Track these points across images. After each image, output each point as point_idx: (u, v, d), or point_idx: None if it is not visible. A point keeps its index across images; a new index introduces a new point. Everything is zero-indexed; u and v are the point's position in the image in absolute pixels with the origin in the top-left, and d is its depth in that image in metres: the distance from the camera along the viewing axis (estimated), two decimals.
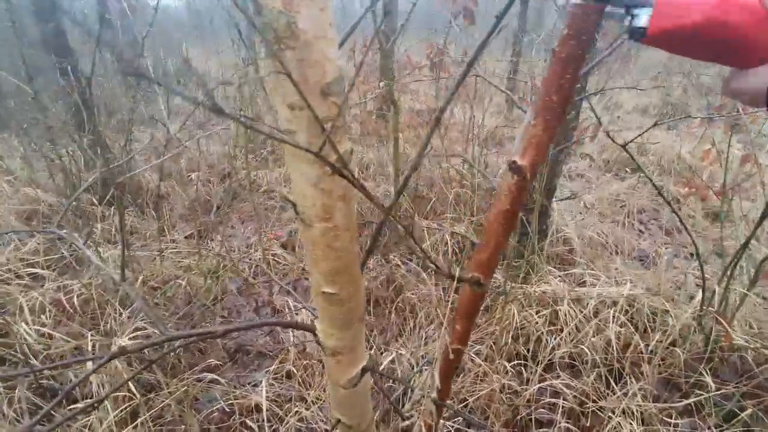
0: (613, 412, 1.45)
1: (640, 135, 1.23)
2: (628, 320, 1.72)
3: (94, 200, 2.66)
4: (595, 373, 1.58)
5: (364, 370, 0.55)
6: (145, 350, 0.56)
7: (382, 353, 1.75)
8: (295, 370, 1.62)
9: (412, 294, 1.99)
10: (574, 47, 0.38)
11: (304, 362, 1.65)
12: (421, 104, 2.88)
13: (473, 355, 1.57)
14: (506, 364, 1.50)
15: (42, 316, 1.66)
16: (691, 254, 2.44)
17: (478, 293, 0.54)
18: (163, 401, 1.43)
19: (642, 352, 1.62)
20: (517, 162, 0.45)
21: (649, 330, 1.73)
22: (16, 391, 1.44)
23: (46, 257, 2.11)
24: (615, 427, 1.39)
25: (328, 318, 0.50)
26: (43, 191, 2.56)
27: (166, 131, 2.83)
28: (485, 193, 2.48)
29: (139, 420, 1.32)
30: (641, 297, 1.80)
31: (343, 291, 0.48)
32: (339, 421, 0.58)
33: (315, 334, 0.53)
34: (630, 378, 1.58)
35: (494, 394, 1.42)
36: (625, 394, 1.50)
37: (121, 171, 2.91)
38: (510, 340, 1.59)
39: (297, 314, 1.99)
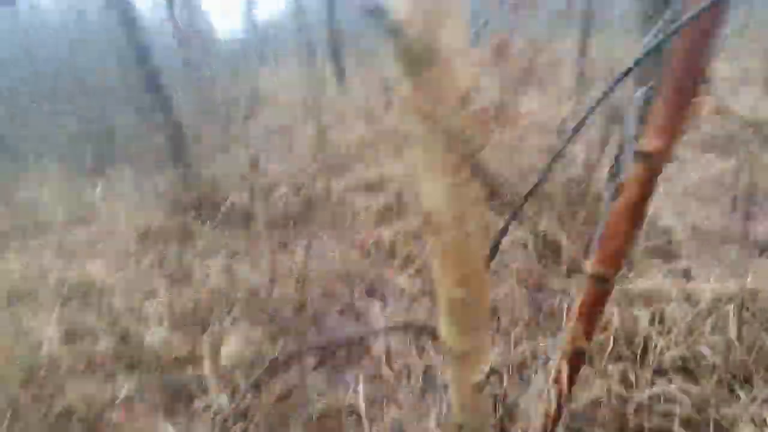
0: (740, 420, 1.29)
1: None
2: (751, 317, 1.52)
3: (192, 219, 2.96)
4: (715, 377, 1.42)
5: (488, 375, 0.55)
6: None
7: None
8: (385, 371, 1.66)
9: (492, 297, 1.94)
10: (703, 22, 0.35)
11: (394, 363, 1.69)
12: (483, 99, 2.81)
13: None
14: (610, 367, 1.40)
15: (159, 324, 1.89)
16: None
17: (602, 290, 0.51)
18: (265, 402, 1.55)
19: None
20: (643, 148, 0.42)
21: None
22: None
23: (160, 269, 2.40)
24: None
25: (456, 321, 0.51)
26: (153, 212, 2.91)
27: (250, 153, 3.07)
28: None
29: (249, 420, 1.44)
30: (765, 290, 1.58)
31: (472, 294, 0.49)
32: (461, 427, 0.59)
33: (435, 338, 0.54)
34: (759, 382, 1.39)
35: (600, 400, 1.33)
36: (753, 400, 1.33)
37: (213, 190, 3.22)
38: (612, 343, 1.48)
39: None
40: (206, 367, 1.49)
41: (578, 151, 2.99)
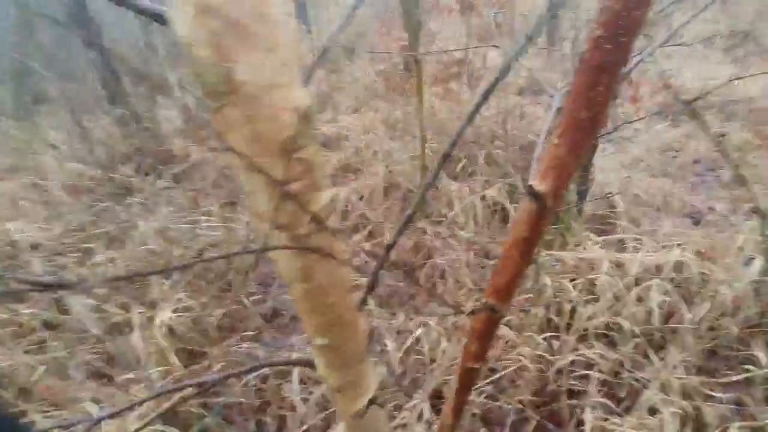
0: (651, 384, 1.41)
1: (706, 94, 1.06)
2: (674, 288, 1.62)
3: (131, 171, 2.75)
4: (632, 343, 1.52)
5: (371, 402, 0.53)
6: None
7: (411, 320, 1.76)
8: None
9: (442, 260, 1.96)
10: (609, 52, 0.30)
11: None
12: (450, 55, 2.66)
13: (503, 325, 1.55)
14: (536, 336, 1.47)
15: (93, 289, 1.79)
16: (753, 212, 2.22)
17: (494, 318, 0.49)
18: (207, 367, 1.54)
19: (687, 323, 1.53)
20: (534, 187, 0.38)
21: (698, 299, 1.62)
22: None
23: (96, 230, 2.25)
24: (651, 400, 1.35)
25: (325, 362, 0.48)
26: (85, 165, 2.68)
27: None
28: (520, 151, 2.33)
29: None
30: (690, 263, 1.68)
31: (337, 340, 0.45)
32: None
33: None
34: (671, 349, 1.51)
35: (523, 364, 1.40)
36: (665, 367, 1.44)
37: (152, 140, 2.98)
38: (542, 311, 1.55)
39: None
40: (136, 338, 1.44)
41: (540, 112, 2.95)
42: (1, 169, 2.81)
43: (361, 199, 2.56)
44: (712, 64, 3.93)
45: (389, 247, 0.45)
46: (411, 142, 2.65)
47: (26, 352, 1.60)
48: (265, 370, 1.51)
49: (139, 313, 1.58)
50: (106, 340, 1.61)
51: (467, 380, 0.56)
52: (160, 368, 1.43)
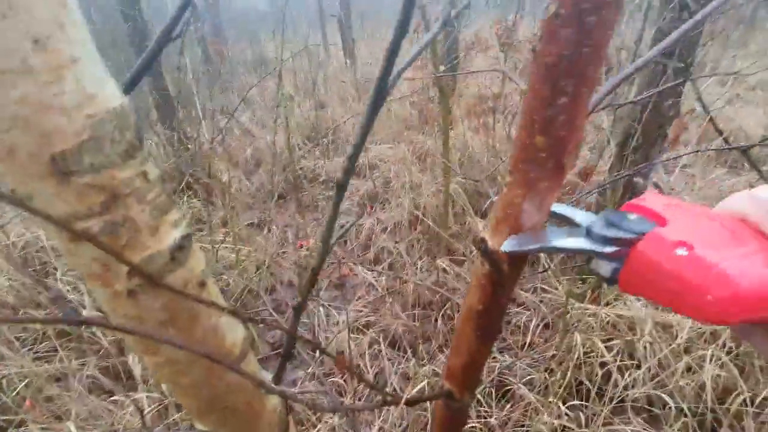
0: None
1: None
2: (731, 360, 1.38)
3: (169, 188, 2.85)
4: (680, 423, 1.29)
5: None
6: None
7: (428, 362, 1.62)
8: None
9: (461, 300, 1.82)
10: (570, 42, 0.20)
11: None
12: (487, 89, 2.60)
13: (521, 386, 1.38)
14: (561, 405, 1.28)
15: None
16: None
17: (456, 408, 0.38)
18: None
19: (747, 404, 1.29)
20: (486, 242, 0.28)
21: (760, 374, 1.38)
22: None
23: None
24: None
25: None
26: None
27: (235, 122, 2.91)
28: None
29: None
30: None
31: (223, 429, 0.35)
32: None
33: None
34: None
35: None
36: None
37: (195, 162, 3.10)
38: (570, 373, 1.36)
39: (339, 313, 1.94)
40: (132, 359, 1.41)
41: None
42: None
43: (385, 230, 2.49)
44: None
45: (298, 309, 0.37)
46: (440, 174, 2.57)
47: (35, 359, 1.61)
48: None
49: None
50: (113, 355, 1.60)
51: None
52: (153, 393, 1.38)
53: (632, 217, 0.25)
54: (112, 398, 1.48)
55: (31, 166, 0.21)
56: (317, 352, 1.75)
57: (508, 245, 0.27)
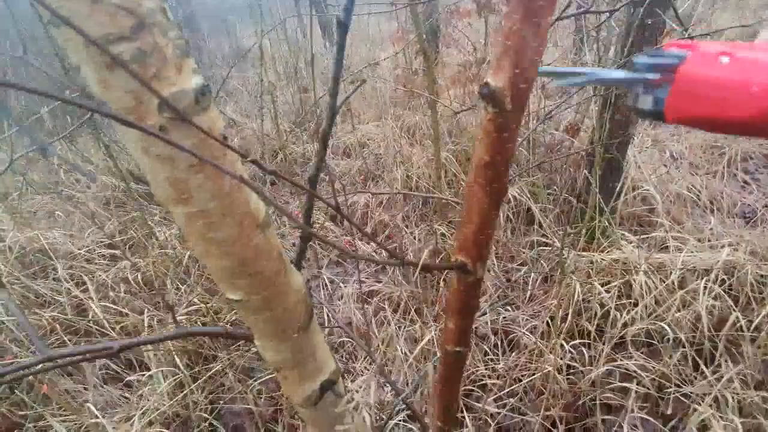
0: (702, 399, 1.23)
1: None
2: (725, 291, 1.43)
3: None
4: (679, 353, 1.35)
5: (323, 388, 0.45)
6: None
7: (433, 323, 1.66)
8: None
9: None
10: None
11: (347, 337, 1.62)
12: (469, 55, 2.60)
13: (526, 333, 1.42)
14: (564, 343, 1.33)
15: (111, 293, 1.82)
16: None
17: (469, 282, 0.40)
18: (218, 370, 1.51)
19: (743, 330, 1.34)
20: (489, 84, 0.29)
21: (754, 303, 1.43)
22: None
23: (122, 237, 2.31)
24: (703, 417, 1.17)
25: (254, 328, 0.40)
26: (116, 179, 2.78)
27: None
28: (545, 151, 2.19)
29: (188, 389, 1.39)
30: (744, 263, 1.48)
31: (254, 297, 0.37)
32: None
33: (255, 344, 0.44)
34: (725, 360, 1.32)
35: (550, 375, 1.26)
36: (719, 379, 1.26)
37: None
38: (571, 316, 1.40)
39: (344, 285, 1.96)
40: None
41: (565, 114, 2.81)
42: (43, 186, 2.97)
43: (380, 204, 2.51)
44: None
45: (314, 178, 0.38)
46: (430, 146, 2.58)
47: None
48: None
49: (149, 315, 1.58)
50: None
51: (451, 369, 0.46)
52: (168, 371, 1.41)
53: (671, 49, 0.26)
54: (125, 381, 1.50)
55: None
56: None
57: (545, 70, 0.27)
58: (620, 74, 0.26)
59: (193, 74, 0.30)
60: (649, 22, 1.42)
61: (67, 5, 0.23)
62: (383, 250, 0.34)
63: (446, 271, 1.86)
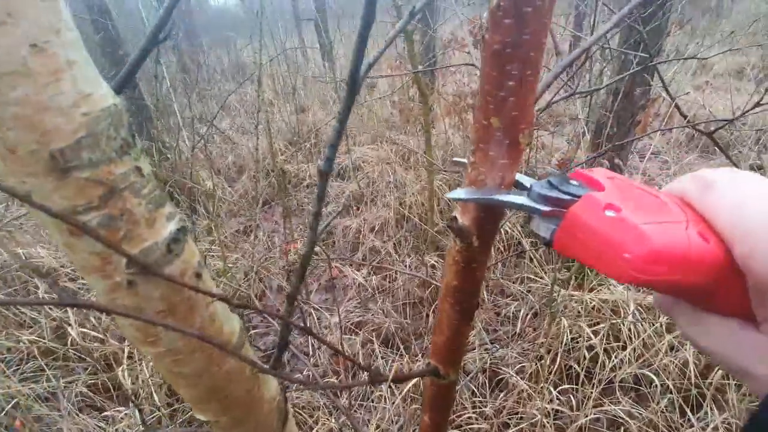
0: None
1: (729, 121, 0.95)
2: None
3: None
4: (666, 399, 1.34)
5: None
6: None
7: (419, 357, 1.64)
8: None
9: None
10: (512, 29, 0.23)
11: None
12: (465, 86, 2.64)
13: (513, 374, 1.41)
14: (552, 389, 1.32)
15: (92, 318, 1.77)
16: None
17: (443, 384, 0.40)
18: None
19: (728, 377, 1.35)
20: (457, 219, 0.30)
21: None
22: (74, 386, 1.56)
23: None
24: None
25: None
26: None
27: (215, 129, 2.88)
28: None
29: None
30: None
31: (224, 418, 0.36)
32: None
33: None
34: (711, 407, 1.32)
35: (538, 421, 1.25)
36: (704, 428, 1.26)
37: (176, 171, 3.06)
38: (560, 358, 1.40)
39: (331, 314, 1.94)
40: (122, 371, 1.38)
41: (561, 143, 2.86)
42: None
43: (372, 230, 2.50)
44: (744, 95, 3.76)
45: (292, 297, 0.38)
46: (424, 173, 2.60)
47: (22, 380, 1.57)
48: None
49: (130, 345, 1.54)
50: (101, 371, 1.57)
51: None
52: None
53: (574, 182, 0.26)
54: (103, 414, 1.45)
55: (31, 164, 0.22)
56: (310, 355, 1.75)
57: (455, 194, 0.27)
58: (521, 200, 0.26)
59: (167, 222, 0.29)
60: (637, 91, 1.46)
61: (30, 181, 0.23)
62: (360, 367, 0.33)
63: (435, 304, 1.85)
